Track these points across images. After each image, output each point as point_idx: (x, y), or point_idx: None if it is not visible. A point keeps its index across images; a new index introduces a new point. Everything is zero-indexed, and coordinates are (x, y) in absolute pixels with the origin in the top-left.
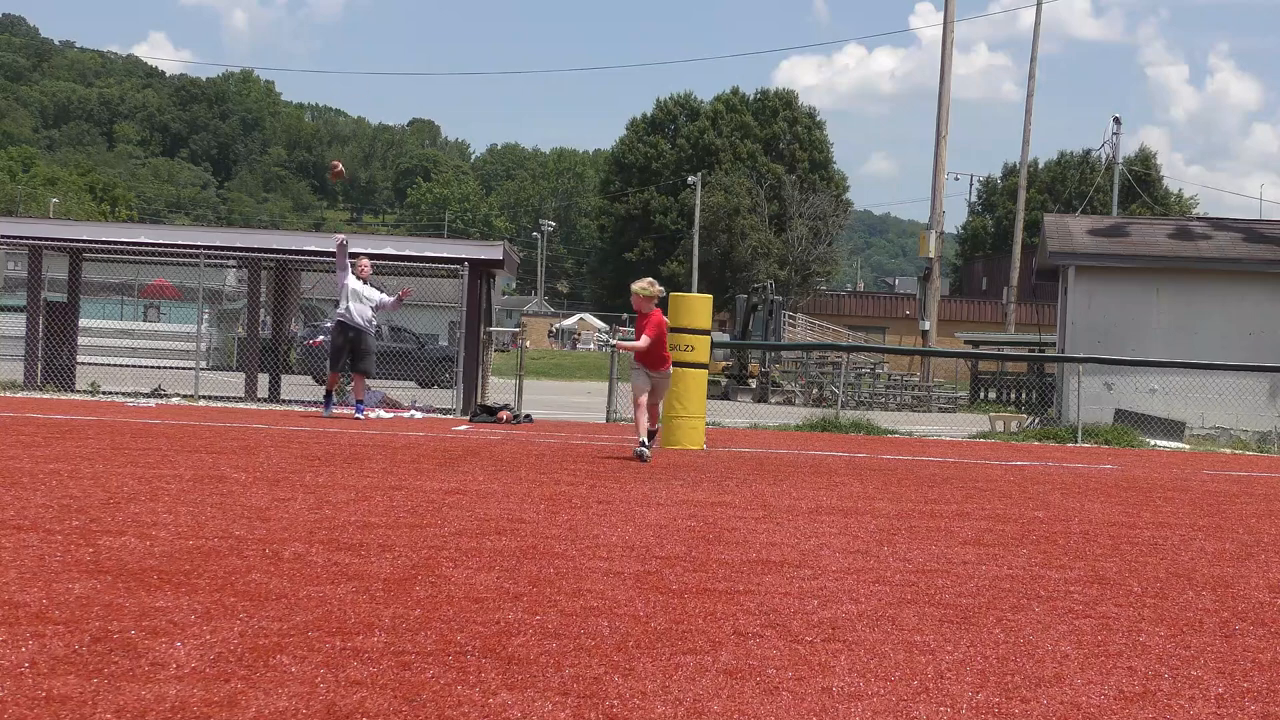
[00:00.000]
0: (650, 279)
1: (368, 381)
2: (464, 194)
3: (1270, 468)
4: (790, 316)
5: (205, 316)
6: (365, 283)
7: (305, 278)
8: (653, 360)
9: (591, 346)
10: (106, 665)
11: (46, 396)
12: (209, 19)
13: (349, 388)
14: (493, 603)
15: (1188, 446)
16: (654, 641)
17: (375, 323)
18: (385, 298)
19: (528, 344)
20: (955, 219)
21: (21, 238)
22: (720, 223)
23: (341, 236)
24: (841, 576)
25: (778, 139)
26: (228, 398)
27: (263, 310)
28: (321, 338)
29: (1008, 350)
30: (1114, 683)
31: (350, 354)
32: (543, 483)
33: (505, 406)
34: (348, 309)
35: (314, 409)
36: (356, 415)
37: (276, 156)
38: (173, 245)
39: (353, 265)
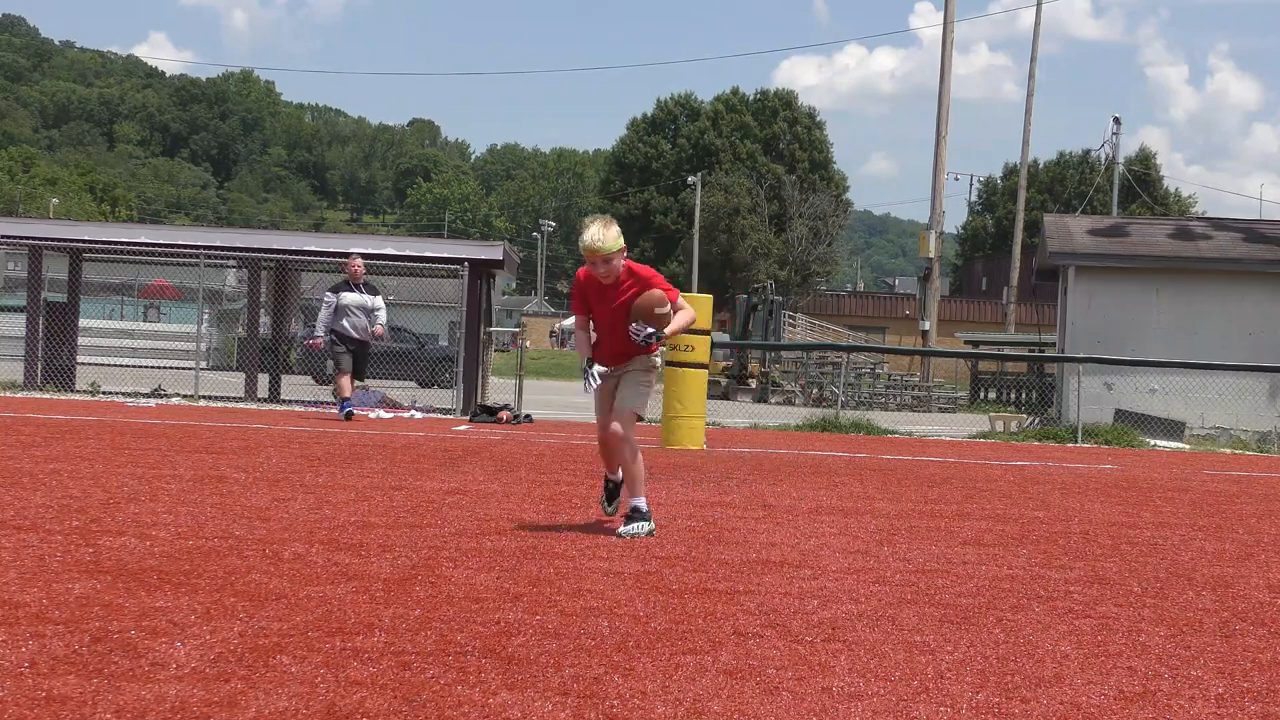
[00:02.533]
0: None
1: (367, 381)
2: (464, 194)
3: (1270, 468)
4: (790, 316)
5: (205, 316)
6: (359, 286)
7: (305, 278)
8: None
9: None
10: (106, 665)
11: (46, 396)
12: (209, 19)
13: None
14: (493, 603)
15: (1188, 446)
16: (654, 641)
17: (375, 328)
18: (379, 304)
19: (528, 344)
20: (955, 219)
21: (21, 238)
22: (720, 223)
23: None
24: (841, 576)
25: (778, 139)
26: (228, 398)
27: (263, 310)
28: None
29: (1008, 350)
30: (1114, 683)
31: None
32: (543, 483)
33: (505, 406)
34: (343, 325)
35: (314, 409)
36: (342, 413)
37: (276, 156)
38: (173, 245)
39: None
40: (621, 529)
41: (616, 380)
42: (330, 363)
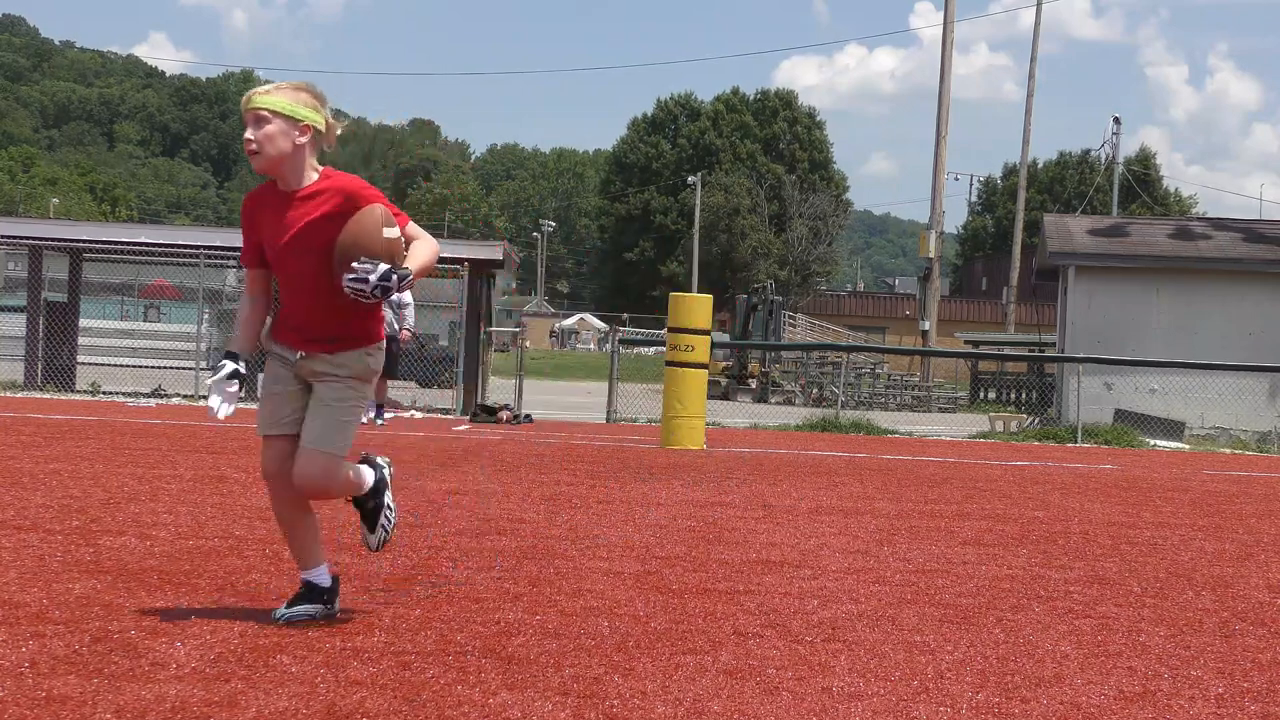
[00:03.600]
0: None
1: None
2: (464, 194)
3: (1270, 468)
4: (790, 316)
5: (205, 316)
6: None
7: None
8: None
9: (591, 347)
10: (106, 665)
11: (46, 396)
12: (209, 19)
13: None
14: (493, 603)
15: (1188, 446)
16: (654, 641)
17: (402, 325)
18: (406, 299)
19: (527, 344)
20: (955, 219)
21: (21, 238)
22: (720, 223)
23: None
24: (841, 576)
25: (778, 139)
26: None
27: None
28: None
29: (1008, 350)
30: (1114, 683)
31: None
32: (543, 483)
33: (505, 406)
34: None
35: None
36: (375, 420)
37: None
38: (173, 245)
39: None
40: (282, 611)
41: (303, 383)
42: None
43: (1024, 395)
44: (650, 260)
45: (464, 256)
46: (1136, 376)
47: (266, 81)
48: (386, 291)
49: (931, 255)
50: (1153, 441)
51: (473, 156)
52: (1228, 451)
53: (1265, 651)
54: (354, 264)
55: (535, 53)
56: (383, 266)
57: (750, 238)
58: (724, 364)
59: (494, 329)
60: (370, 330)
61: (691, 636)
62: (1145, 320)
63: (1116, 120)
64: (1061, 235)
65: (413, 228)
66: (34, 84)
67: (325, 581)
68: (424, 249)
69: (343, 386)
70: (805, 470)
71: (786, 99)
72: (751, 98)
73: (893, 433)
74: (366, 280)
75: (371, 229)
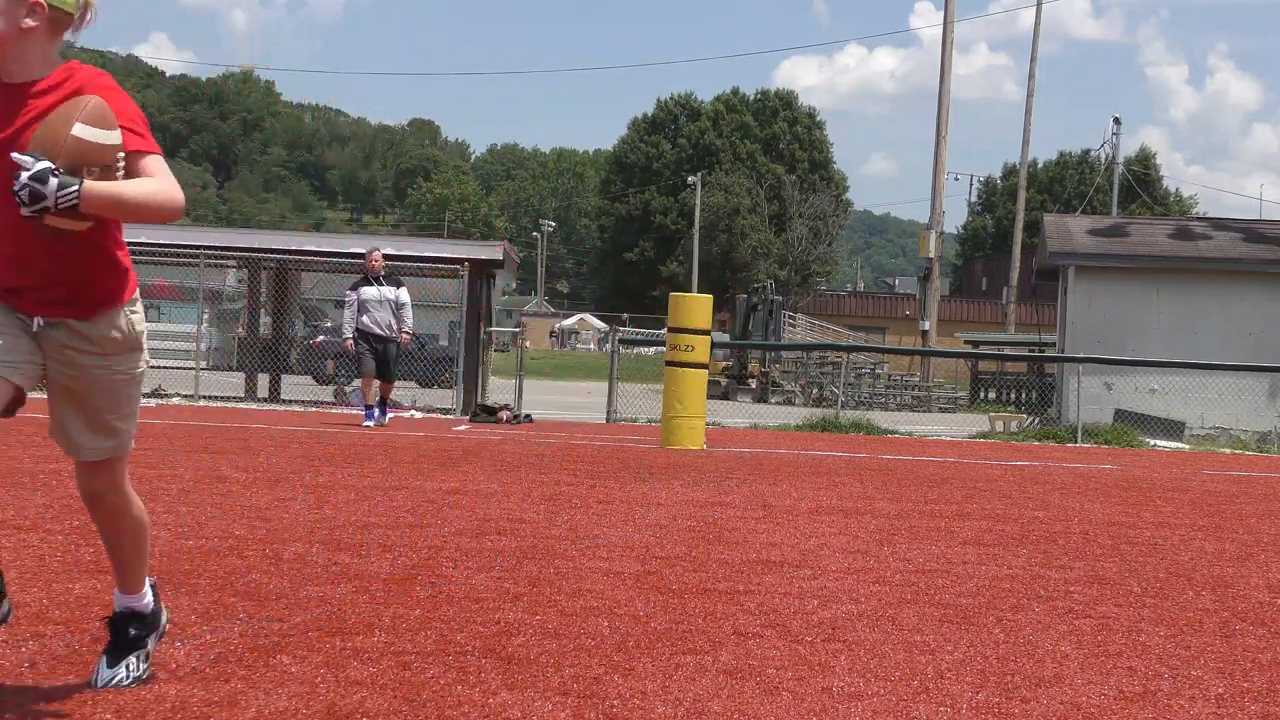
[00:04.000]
0: None
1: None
2: (464, 194)
3: (1270, 468)
4: (790, 316)
5: (205, 316)
6: (379, 279)
7: (305, 278)
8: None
9: (591, 347)
10: None
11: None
12: (209, 19)
13: (350, 386)
14: (493, 603)
15: (1187, 446)
16: (654, 641)
17: (401, 328)
18: (404, 297)
19: (527, 344)
20: (955, 219)
21: None
22: (720, 223)
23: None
24: (841, 576)
25: (778, 139)
26: (227, 398)
27: (263, 310)
28: (322, 338)
29: (1008, 350)
30: (1114, 683)
31: (375, 358)
32: (543, 483)
33: (505, 406)
34: (364, 322)
35: (314, 409)
36: (367, 422)
37: (276, 157)
38: (172, 245)
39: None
40: (104, 672)
41: (36, 356)
42: (358, 366)
43: (1024, 395)
44: (650, 260)
45: (464, 256)
46: (1136, 376)
47: None
48: (36, 198)
49: (931, 255)
50: (1153, 441)
51: (473, 156)
52: (1228, 451)
53: (1265, 651)
54: (13, 154)
55: (535, 53)
56: (42, 164)
57: (750, 238)
58: (724, 364)
59: (494, 329)
60: (122, 275)
61: (691, 636)
62: (1145, 320)
63: (1116, 120)
64: (1061, 235)
65: (151, 162)
66: None
67: (151, 607)
68: (141, 186)
69: (114, 367)
70: (805, 470)
71: (786, 99)
72: (751, 98)
73: (893, 433)
74: (26, 179)
75: (62, 117)
